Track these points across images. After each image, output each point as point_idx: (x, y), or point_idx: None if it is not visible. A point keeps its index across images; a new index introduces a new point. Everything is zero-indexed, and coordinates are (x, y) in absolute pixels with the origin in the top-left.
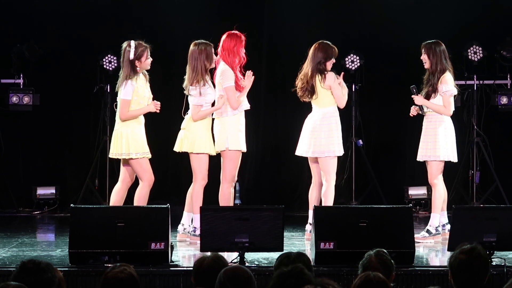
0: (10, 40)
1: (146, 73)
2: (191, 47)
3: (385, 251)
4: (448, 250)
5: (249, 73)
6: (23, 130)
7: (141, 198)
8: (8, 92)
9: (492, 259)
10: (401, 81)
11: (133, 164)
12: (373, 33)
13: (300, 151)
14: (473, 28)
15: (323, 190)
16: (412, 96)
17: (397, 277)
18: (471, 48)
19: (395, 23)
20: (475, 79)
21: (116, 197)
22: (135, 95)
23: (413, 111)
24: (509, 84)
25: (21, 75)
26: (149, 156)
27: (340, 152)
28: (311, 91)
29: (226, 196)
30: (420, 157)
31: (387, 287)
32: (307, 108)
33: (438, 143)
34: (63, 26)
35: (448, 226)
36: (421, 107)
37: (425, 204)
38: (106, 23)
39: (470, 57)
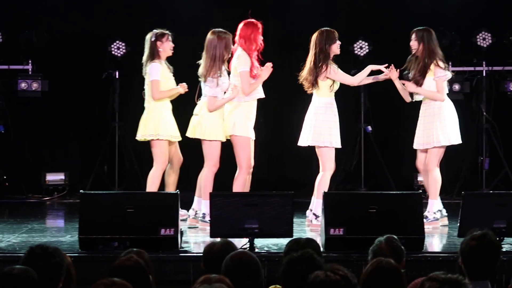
0: (18, 26)
1: (170, 65)
2: (209, 35)
3: (395, 237)
4: (459, 236)
5: (268, 64)
6: (32, 116)
7: (154, 181)
8: (17, 78)
9: (502, 245)
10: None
11: (154, 144)
12: (380, 19)
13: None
14: (482, 14)
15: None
16: (404, 82)
17: (406, 263)
18: (480, 34)
19: (402, 8)
20: (484, 66)
21: (167, 180)
22: (163, 77)
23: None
24: None
25: (30, 61)
26: (179, 139)
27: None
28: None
29: (240, 183)
30: (419, 145)
31: (399, 274)
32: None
33: (437, 129)
34: (71, 12)
35: (444, 211)
36: (411, 94)
37: None
38: (115, 9)
39: (479, 43)
